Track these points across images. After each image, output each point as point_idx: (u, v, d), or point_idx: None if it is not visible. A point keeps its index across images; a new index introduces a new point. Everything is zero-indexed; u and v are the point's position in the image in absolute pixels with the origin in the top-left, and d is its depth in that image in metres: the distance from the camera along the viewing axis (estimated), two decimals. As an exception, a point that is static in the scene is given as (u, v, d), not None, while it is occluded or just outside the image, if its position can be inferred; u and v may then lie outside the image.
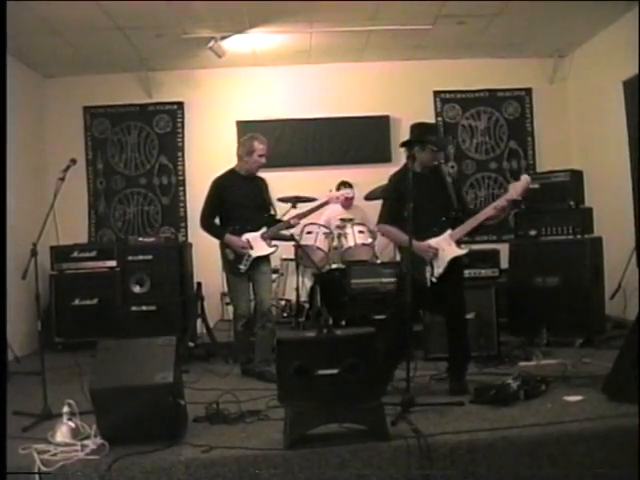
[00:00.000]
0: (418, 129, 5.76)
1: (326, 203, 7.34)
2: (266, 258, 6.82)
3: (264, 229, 6.76)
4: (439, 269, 5.48)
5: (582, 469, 4.22)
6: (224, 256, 6.74)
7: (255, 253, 6.68)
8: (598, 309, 7.60)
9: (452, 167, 10.30)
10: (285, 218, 7.09)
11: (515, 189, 5.48)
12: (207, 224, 6.77)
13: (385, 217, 5.77)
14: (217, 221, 6.84)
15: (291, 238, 7.73)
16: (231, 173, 6.88)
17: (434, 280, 5.47)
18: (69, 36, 8.26)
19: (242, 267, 6.66)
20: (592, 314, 7.45)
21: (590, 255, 7.52)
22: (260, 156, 6.74)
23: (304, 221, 8.12)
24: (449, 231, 5.52)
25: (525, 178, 5.52)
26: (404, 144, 5.67)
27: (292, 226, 7.00)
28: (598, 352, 6.84)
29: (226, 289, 7.05)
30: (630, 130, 8.35)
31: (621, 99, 8.49)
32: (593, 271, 7.50)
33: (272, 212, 7.00)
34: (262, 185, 6.94)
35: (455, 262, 5.53)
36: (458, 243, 5.56)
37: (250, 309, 6.80)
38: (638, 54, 7.53)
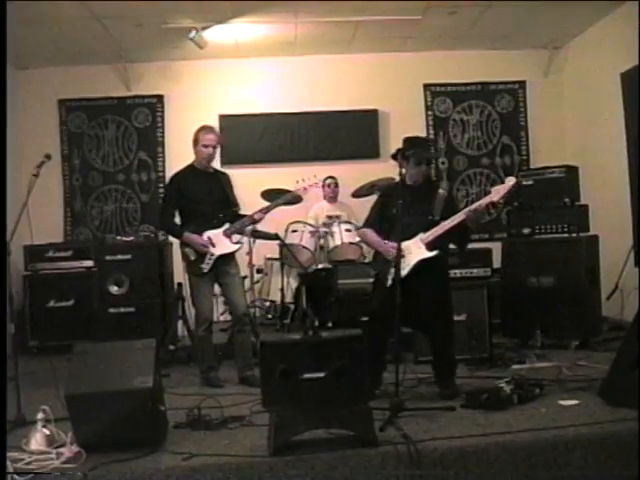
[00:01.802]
0: (405, 143, 5.85)
1: (294, 196, 7.24)
2: (232, 259, 6.65)
3: (227, 226, 6.56)
4: (404, 271, 5.47)
5: (578, 476, 4.22)
6: (185, 256, 6.55)
7: (217, 251, 6.47)
8: (594, 310, 7.64)
9: (442, 163, 10.34)
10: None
11: (497, 192, 5.48)
12: (166, 223, 6.65)
13: (365, 221, 6.04)
14: (177, 220, 6.68)
15: (276, 237, 7.73)
16: (190, 168, 6.74)
17: (390, 282, 5.47)
18: (44, 26, 8.22)
19: (204, 267, 6.46)
20: (588, 315, 7.48)
21: (586, 254, 7.56)
22: (205, 146, 6.58)
23: (289, 219, 8.16)
24: (421, 234, 5.56)
25: (510, 181, 5.51)
26: (394, 158, 5.84)
27: (257, 221, 6.73)
28: (594, 355, 6.86)
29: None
30: (628, 124, 8.38)
31: (619, 92, 8.51)
32: (589, 271, 7.53)
33: (235, 208, 6.78)
34: (223, 180, 6.79)
35: (430, 265, 5.53)
36: (431, 246, 5.54)
37: (212, 313, 6.67)
38: (638, 50, 7.59)
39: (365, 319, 7.24)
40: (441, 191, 5.72)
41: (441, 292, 5.70)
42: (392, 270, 5.42)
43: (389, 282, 5.49)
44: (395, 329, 5.11)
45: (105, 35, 8.71)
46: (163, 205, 6.74)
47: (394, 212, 5.53)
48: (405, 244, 5.50)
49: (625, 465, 4.19)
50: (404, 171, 5.70)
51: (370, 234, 5.85)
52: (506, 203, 8.69)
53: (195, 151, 6.67)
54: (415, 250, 5.54)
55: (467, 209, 5.53)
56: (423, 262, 5.50)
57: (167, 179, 9.90)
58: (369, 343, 5.43)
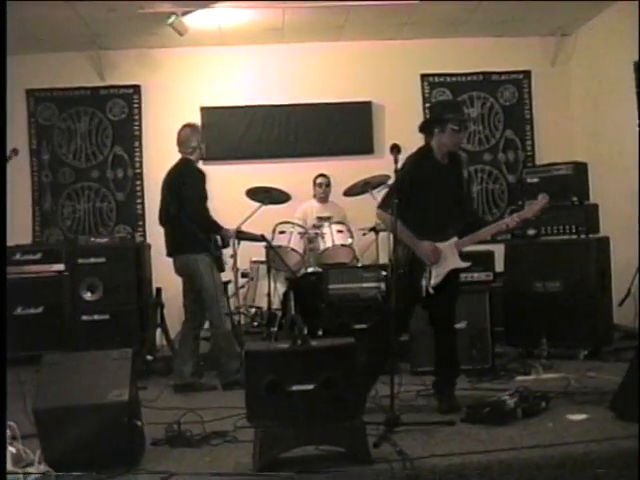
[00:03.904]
0: (437, 108, 5.80)
1: None
2: None
3: None
4: (437, 278, 5.49)
5: (587, 496, 4.23)
6: (217, 250, 6.95)
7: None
8: (605, 317, 7.64)
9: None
10: None
11: (531, 208, 5.64)
12: (211, 218, 6.98)
13: (382, 201, 5.71)
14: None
15: (262, 238, 7.72)
16: (197, 164, 7.13)
17: (431, 291, 5.47)
18: (10, 10, 8.17)
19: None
20: (598, 323, 7.48)
21: (596, 257, 7.56)
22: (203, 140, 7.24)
23: (276, 219, 8.17)
24: (455, 239, 5.56)
25: (543, 197, 5.62)
26: (421, 128, 5.75)
27: None
28: (605, 365, 6.90)
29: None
30: (641, 117, 8.41)
31: (632, 82, 8.52)
32: (599, 275, 7.53)
33: None
34: None
35: (454, 271, 5.58)
36: (462, 253, 5.60)
37: None
38: (638, 50, 7.67)
39: (360, 326, 7.30)
40: (465, 173, 5.71)
41: (456, 296, 5.77)
42: (426, 275, 5.46)
43: (424, 291, 5.48)
44: (391, 338, 5.12)
45: (77, 20, 8.68)
46: (200, 200, 6.92)
47: (423, 200, 5.46)
48: (440, 247, 5.50)
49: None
50: (437, 142, 5.58)
51: (400, 225, 5.34)
52: (510, 202, 8.72)
53: (202, 147, 7.13)
54: (450, 257, 5.53)
55: (504, 222, 5.69)
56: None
57: (144, 176, 10.02)
58: (375, 350, 5.47)
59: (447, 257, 5.51)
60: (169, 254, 7.04)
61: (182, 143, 7.04)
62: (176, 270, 7.05)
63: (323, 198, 9.32)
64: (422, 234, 5.44)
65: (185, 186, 6.86)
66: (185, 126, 7.18)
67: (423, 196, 5.47)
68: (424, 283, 5.46)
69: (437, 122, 5.59)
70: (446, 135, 5.52)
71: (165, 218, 7.06)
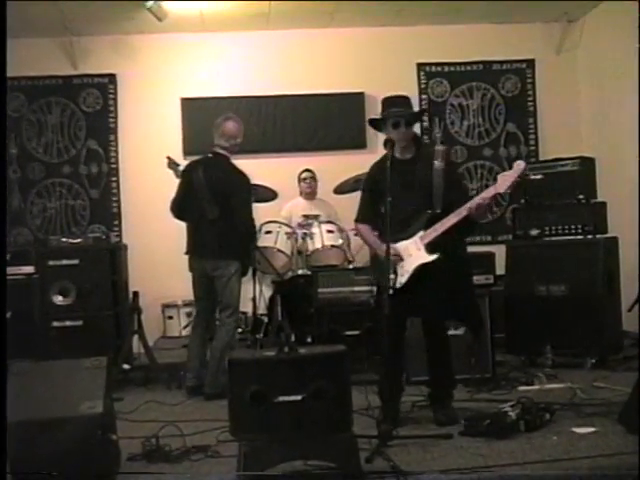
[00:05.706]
0: (383, 104, 5.78)
1: None
2: None
3: None
4: (402, 278, 5.46)
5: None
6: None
7: None
8: (613, 323, 7.66)
9: (441, 143, 10.15)
10: None
11: (503, 180, 5.35)
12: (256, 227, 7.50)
13: (358, 213, 5.86)
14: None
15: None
16: None
17: (390, 292, 5.41)
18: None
19: None
20: (606, 329, 7.50)
21: (603, 259, 7.56)
22: None
23: (262, 219, 8.17)
24: (420, 233, 5.48)
25: (518, 165, 5.40)
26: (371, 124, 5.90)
27: None
28: (613, 375, 6.92)
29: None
30: (652, 109, 8.42)
31: (642, 71, 8.54)
32: (607, 278, 7.54)
33: None
34: None
35: (432, 268, 5.44)
36: (432, 247, 5.45)
37: None
38: (638, 51, 7.75)
39: (351, 333, 7.30)
40: (437, 164, 5.56)
41: (443, 294, 5.61)
42: (392, 277, 5.41)
43: (390, 290, 5.44)
44: (383, 346, 5.12)
45: (48, 4, 8.65)
46: (251, 208, 7.25)
47: (384, 207, 5.43)
48: (403, 245, 5.48)
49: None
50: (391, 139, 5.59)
51: (365, 231, 5.74)
52: (512, 200, 8.69)
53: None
54: (415, 252, 5.46)
55: (468, 204, 5.36)
56: (424, 266, 5.44)
57: (120, 171, 10.00)
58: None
59: (412, 254, 5.46)
60: (194, 254, 7.14)
61: (227, 137, 7.10)
62: (198, 271, 7.15)
63: (310, 194, 9.30)
64: (390, 235, 5.42)
65: (237, 193, 7.04)
66: (230, 118, 7.19)
67: (384, 196, 5.47)
68: (390, 284, 5.44)
69: (378, 121, 5.73)
70: (389, 132, 5.59)
71: (195, 216, 7.11)
